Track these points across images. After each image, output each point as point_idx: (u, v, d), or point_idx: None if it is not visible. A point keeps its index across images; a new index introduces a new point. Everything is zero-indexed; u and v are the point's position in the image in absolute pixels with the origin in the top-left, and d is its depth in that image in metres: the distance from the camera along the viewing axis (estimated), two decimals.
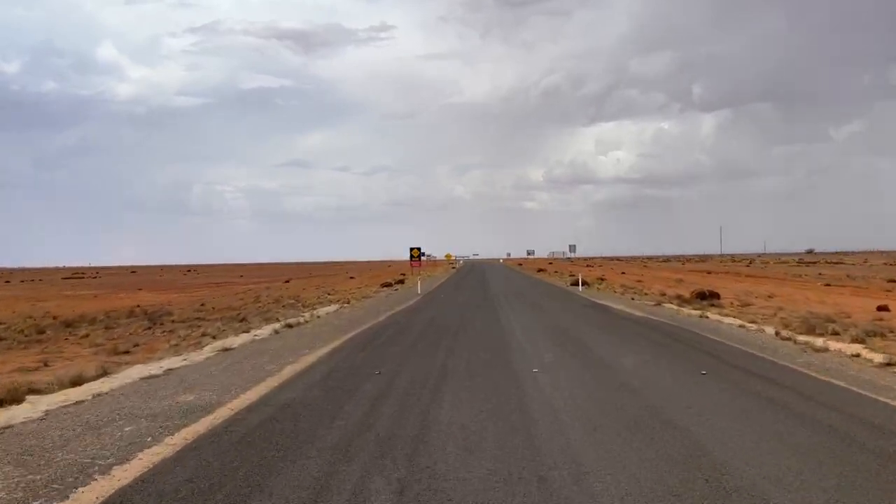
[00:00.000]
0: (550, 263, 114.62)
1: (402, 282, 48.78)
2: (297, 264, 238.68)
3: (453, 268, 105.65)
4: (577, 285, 38.27)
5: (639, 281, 41.69)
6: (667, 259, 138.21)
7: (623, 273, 57.96)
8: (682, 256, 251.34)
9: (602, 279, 45.67)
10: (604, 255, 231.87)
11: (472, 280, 51.95)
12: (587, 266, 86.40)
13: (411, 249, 72.38)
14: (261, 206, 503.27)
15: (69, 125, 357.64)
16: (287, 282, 56.96)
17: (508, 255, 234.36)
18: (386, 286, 43.87)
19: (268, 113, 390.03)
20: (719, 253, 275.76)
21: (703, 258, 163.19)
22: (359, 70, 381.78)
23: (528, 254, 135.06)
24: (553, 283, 43.14)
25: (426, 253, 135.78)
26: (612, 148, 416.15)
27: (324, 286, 46.77)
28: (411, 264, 71.46)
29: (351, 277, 60.89)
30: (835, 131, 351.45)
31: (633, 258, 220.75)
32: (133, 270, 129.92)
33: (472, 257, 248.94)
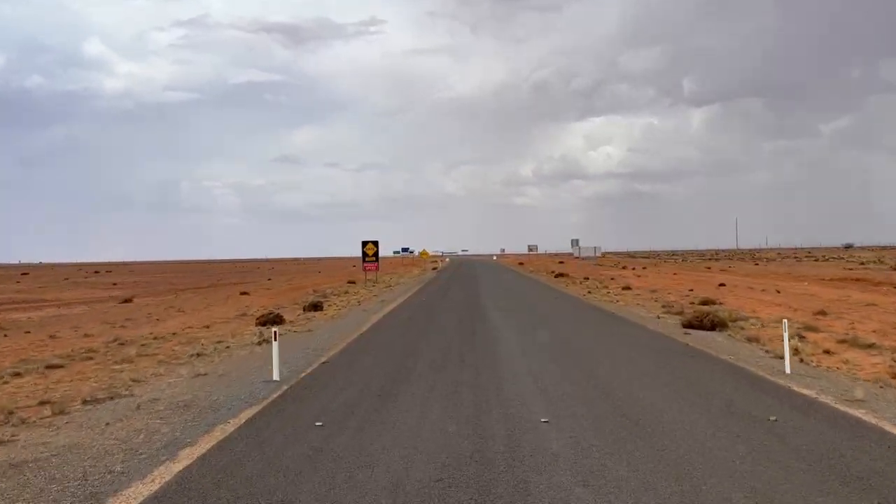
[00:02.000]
0: (561, 262, 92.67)
1: (318, 307, 26.30)
2: (273, 260, 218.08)
3: (434, 269, 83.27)
4: (705, 327, 16.28)
5: (822, 314, 19.45)
6: (714, 256, 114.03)
7: (721, 286, 35.23)
8: (697, 252, 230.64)
9: (711, 303, 23.66)
10: (605, 252, 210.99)
11: (456, 304, 29.64)
12: (624, 269, 64.07)
13: (364, 245, 50.16)
14: (250, 203, 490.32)
15: (56, 120, 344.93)
16: (128, 301, 34.63)
17: (503, 251, 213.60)
18: (268, 323, 21.33)
19: (257, 108, 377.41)
20: (735, 247, 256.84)
21: (753, 253, 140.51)
22: (349, 65, 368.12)
23: (530, 250, 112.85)
24: (648, 326, 20.71)
25: (409, 249, 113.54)
26: (603, 143, 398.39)
27: (159, 317, 24.58)
28: (365, 267, 49.38)
29: (243, 293, 38.10)
30: (824, 126, 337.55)
31: (650, 254, 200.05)
32: (25, 272, 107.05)
33: (460, 253, 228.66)
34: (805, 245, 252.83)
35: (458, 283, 44.76)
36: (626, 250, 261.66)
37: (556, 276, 51.21)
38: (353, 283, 46.84)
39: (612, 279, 43.81)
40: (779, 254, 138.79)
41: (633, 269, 61.70)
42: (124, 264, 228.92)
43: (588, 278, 46.24)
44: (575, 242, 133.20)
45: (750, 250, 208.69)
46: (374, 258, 46.42)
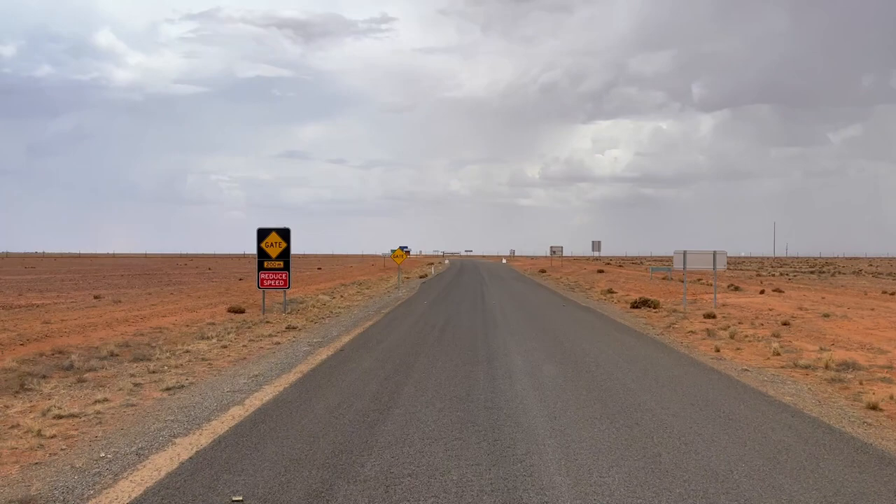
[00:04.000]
0: (601, 271, 69.28)
1: None
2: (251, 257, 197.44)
3: (422, 277, 60.38)
4: None
5: None
6: (797, 268, 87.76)
7: None
8: (741, 258, 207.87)
9: None
10: (622, 256, 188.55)
11: None
12: (736, 289, 40.43)
13: (262, 235, 26.83)
14: (256, 196, 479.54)
15: (65, 111, 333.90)
16: None
17: (512, 252, 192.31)
18: None
19: (265, 103, 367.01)
20: (773, 255, 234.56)
21: (819, 262, 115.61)
22: (358, 62, 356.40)
23: (553, 252, 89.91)
24: None
25: (406, 248, 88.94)
26: (611, 146, 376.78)
27: None
28: (261, 280, 26.81)
29: None
30: (834, 135, 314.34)
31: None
32: None
33: (463, 254, 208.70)
34: (849, 254, 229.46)
35: (451, 327, 21.98)
36: (636, 255, 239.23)
37: (635, 306, 28.57)
38: (241, 311, 24.20)
39: (783, 325, 20.99)
40: (870, 263, 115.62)
41: (753, 293, 38.28)
42: (105, 256, 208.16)
43: (714, 315, 23.57)
44: (596, 245, 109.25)
45: (803, 259, 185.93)
46: (280, 262, 23.63)
